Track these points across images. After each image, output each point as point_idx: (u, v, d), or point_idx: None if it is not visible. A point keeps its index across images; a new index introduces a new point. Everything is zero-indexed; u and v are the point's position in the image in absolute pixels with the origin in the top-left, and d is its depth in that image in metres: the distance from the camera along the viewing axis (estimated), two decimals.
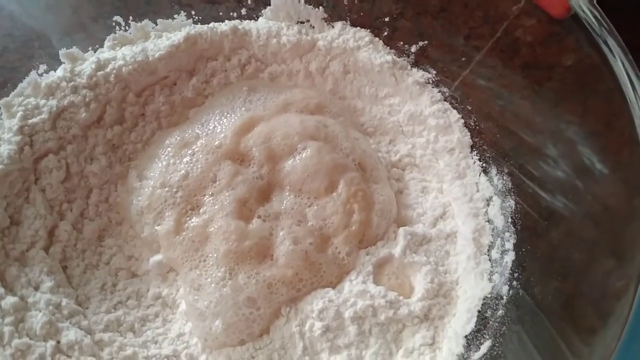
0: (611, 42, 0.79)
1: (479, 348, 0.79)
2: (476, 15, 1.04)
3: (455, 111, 1.01)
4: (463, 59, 1.03)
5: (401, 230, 0.92)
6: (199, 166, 0.95)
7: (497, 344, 0.78)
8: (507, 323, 0.79)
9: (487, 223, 0.92)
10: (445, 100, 1.02)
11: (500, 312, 0.81)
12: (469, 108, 1.00)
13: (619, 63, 0.76)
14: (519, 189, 0.90)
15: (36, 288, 0.85)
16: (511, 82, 0.99)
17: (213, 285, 0.87)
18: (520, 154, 0.92)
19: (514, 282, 0.82)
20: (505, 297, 0.82)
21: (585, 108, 0.90)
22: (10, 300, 0.81)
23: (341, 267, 0.90)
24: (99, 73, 0.99)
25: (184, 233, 0.91)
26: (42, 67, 1.00)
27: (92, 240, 0.95)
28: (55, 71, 1.00)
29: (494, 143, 0.96)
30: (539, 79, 0.96)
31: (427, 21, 1.07)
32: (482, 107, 1.00)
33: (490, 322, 0.81)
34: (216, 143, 0.97)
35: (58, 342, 0.81)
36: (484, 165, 0.96)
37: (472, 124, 0.99)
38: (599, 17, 0.80)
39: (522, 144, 0.93)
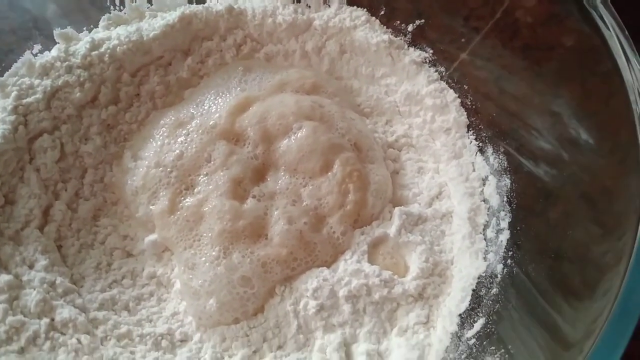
0: (609, 21, 0.77)
1: (472, 326, 0.79)
2: None
3: (451, 91, 1.00)
4: (462, 39, 1.02)
5: (396, 210, 0.92)
6: (194, 146, 0.95)
7: (490, 322, 0.77)
8: (501, 301, 0.79)
9: (483, 202, 0.91)
10: (442, 80, 1.01)
11: (494, 290, 0.81)
12: (466, 87, 0.99)
13: (616, 43, 0.75)
14: (515, 168, 0.89)
15: (31, 266, 0.86)
16: (511, 63, 0.98)
17: (207, 264, 0.87)
18: (517, 134, 0.91)
19: (509, 261, 0.82)
20: (499, 276, 0.82)
21: (584, 89, 0.89)
22: (4, 278, 0.81)
23: (336, 247, 0.90)
24: (93, 53, 0.98)
25: (178, 213, 0.91)
26: (37, 47, 1.00)
27: (87, 219, 0.95)
28: (49, 51, 0.99)
29: (490, 122, 0.95)
30: (539, 59, 0.95)
31: (426, 1, 1.06)
32: (480, 88, 0.99)
33: (485, 301, 0.81)
34: (211, 123, 0.96)
35: (52, 319, 0.81)
36: (480, 144, 0.95)
37: (469, 103, 0.98)
38: None
39: (519, 124, 0.92)
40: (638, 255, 0.62)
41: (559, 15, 0.92)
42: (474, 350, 0.75)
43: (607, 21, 0.80)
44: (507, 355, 0.69)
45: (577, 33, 0.87)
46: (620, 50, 0.76)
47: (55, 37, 0.99)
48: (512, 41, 0.98)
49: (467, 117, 0.98)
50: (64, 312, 0.82)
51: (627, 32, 0.77)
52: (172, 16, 1.04)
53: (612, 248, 0.69)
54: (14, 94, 0.93)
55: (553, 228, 0.80)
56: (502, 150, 0.92)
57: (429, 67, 1.03)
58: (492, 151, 0.93)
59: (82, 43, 0.99)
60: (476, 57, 1.00)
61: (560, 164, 0.85)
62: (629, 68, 0.76)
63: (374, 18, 1.07)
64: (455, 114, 0.98)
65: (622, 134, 0.76)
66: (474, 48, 1.01)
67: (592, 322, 0.62)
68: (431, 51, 1.03)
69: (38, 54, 0.99)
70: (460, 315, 0.82)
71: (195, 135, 0.96)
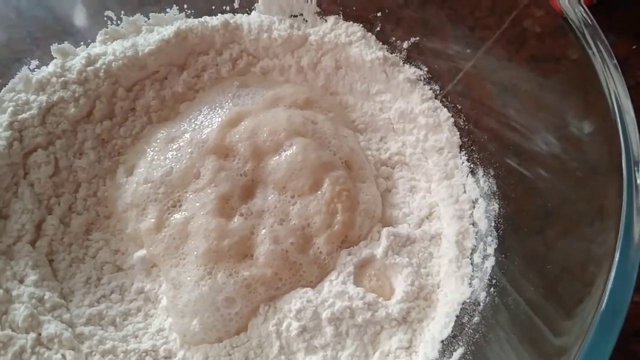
0: (599, 44, 0.75)
1: (452, 355, 0.78)
2: (483, 5, 1.00)
3: (445, 110, 0.98)
4: (467, 50, 0.99)
5: (384, 230, 0.91)
6: (183, 161, 0.95)
7: (468, 352, 0.76)
8: (480, 331, 0.77)
9: (472, 226, 0.90)
10: (436, 99, 1.00)
11: (476, 319, 0.80)
12: (459, 107, 0.97)
13: (603, 68, 0.73)
14: (504, 192, 0.87)
15: (21, 281, 0.88)
16: (516, 74, 0.96)
17: (192, 283, 0.87)
18: (512, 151, 0.88)
19: (491, 289, 0.80)
20: (482, 304, 0.81)
21: (587, 103, 0.87)
22: None
23: (322, 267, 0.89)
24: (88, 68, 1.00)
25: (165, 230, 0.92)
26: (34, 63, 1.01)
27: (79, 234, 0.96)
28: (47, 66, 1.01)
29: (484, 140, 0.93)
30: (545, 72, 0.92)
31: (432, 10, 1.04)
32: (483, 100, 0.97)
33: (466, 329, 0.80)
34: (202, 137, 0.97)
35: (39, 334, 0.83)
36: (471, 166, 0.94)
37: (462, 123, 0.96)
38: (585, 16, 0.76)
39: (516, 140, 0.89)
40: (621, 260, 0.61)
41: (566, 27, 0.90)
42: None
43: (596, 42, 0.78)
44: None
45: (582, 46, 0.85)
46: (604, 74, 0.74)
47: (52, 52, 1.01)
48: (519, 52, 0.96)
49: (460, 138, 0.96)
50: (50, 328, 0.83)
51: (612, 53, 0.75)
52: (167, 31, 1.04)
53: (596, 253, 0.67)
54: (10, 109, 0.95)
55: (536, 256, 0.78)
56: (492, 173, 0.90)
57: (424, 84, 1.01)
58: (482, 174, 0.91)
59: (78, 58, 1.01)
60: (481, 67, 0.98)
61: (559, 184, 0.82)
62: (613, 93, 0.74)
63: (369, 34, 1.05)
64: (448, 134, 0.96)
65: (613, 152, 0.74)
66: (480, 58, 0.99)
67: (577, 330, 0.61)
68: (426, 69, 1.01)
69: (35, 69, 1.01)
70: (442, 341, 0.81)
71: (185, 150, 0.96)
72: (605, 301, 0.58)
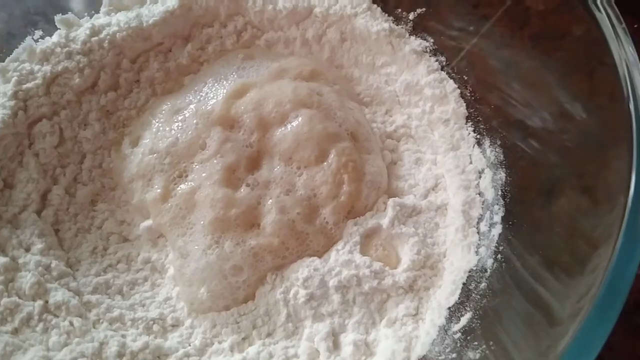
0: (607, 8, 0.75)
1: (459, 320, 0.78)
2: None
3: (451, 81, 0.98)
4: (471, 27, 0.99)
5: (390, 201, 0.91)
6: (189, 132, 0.95)
7: (476, 317, 0.77)
8: (488, 296, 0.78)
9: (478, 196, 0.90)
10: (442, 70, 1.00)
11: (483, 285, 0.80)
12: (466, 78, 0.97)
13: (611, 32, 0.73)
14: (511, 161, 0.87)
15: (27, 250, 0.88)
16: (519, 52, 0.96)
17: (200, 252, 0.87)
18: (522, 124, 0.89)
19: (499, 256, 0.81)
20: (489, 270, 0.81)
21: (591, 81, 0.87)
22: (1, 260, 0.83)
23: (328, 237, 0.89)
24: (93, 39, 0.99)
25: (171, 200, 0.92)
26: (38, 33, 1.01)
27: (84, 204, 0.96)
28: (51, 37, 1.00)
29: (492, 113, 0.93)
30: (548, 49, 0.93)
31: None
32: (486, 77, 0.97)
33: (473, 295, 0.80)
34: (207, 109, 0.97)
35: (46, 301, 0.83)
36: (478, 137, 0.94)
37: (468, 94, 0.97)
38: None
39: (524, 115, 0.90)
40: (627, 231, 0.61)
41: (570, 3, 0.90)
42: (458, 345, 0.75)
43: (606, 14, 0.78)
44: (487, 351, 0.69)
45: (586, 22, 0.85)
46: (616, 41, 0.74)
47: (56, 23, 1.00)
48: (522, 30, 0.96)
49: (466, 109, 0.96)
50: (57, 295, 0.83)
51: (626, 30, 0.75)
52: (172, 2, 1.04)
53: (602, 223, 0.67)
54: (14, 79, 0.94)
55: (542, 223, 0.79)
56: (498, 142, 0.90)
57: (430, 56, 1.01)
58: (489, 144, 0.92)
59: (82, 29, 1.00)
60: (484, 45, 0.98)
61: (560, 157, 0.83)
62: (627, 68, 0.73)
63: (375, 5, 1.05)
64: (454, 105, 0.96)
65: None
66: (483, 36, 0.99)
67: (580, 299, 0.61)
68: (432, 40, 1.01)
69: (39, 40, 1.01)
70: (449, 308, 0.81)
71: (191, 122, 0.96)
72: (611, 270, 0.58)
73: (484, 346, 0.70)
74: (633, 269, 0.60)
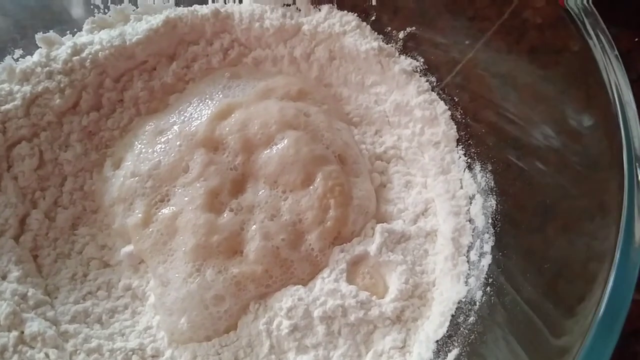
0: (599, 34, 0.73)
1: (447, 355, 0.76)
2: None
3: (442, 102, 0.95)
4: (467, 42, 0.97)
5: (378, 227, 0.89)
6: (172, 155, 0.93)
7: (463, 353, 0.74)
8: (477, 331, 0.75)
9: (468, 222, 0.87)
10: (432, 91, 0.97)
11: (472, 319, 0.77)
12: (456, 99, 0.94)
13: (604, 59, 0.70)
14: (502, 188, 0.85)
15: (3, 277, 0.85)
16: (515, 66, 0.93)
17: (180, 280, 0.85)
18: (511, 145, 0.86)
19: (488, 288, 0.78)
20: (478, 304, 0.78)
21: (588, 95, 0.84)
22: None
23: (314, 265, 0.87)
24: (74, 58, 0.97)
25: (152, 225, 0.89)
26: (18, 52, 0.98)
27: (65, 229, 0.94)
28: (31, 56, 0.98)
29: (482, 134, 0.90)
30: (545, 63, 0.90)
31: (431, 0, 1.01)
32: (481, 93, 0.94)
33: (461, 329, 0.78)
34: (191, 130, 0.94)
35: (22, 332, 0.81)
36: (468, 160, 0.91)
37: (459, 116, 0.94)
38: (586, 5, 0.74)
39: (514, 134, 0.87)
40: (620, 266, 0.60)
41: (567, 18, 0.87)
42: None
43: (597, 34, 0.75)
44: None
45: (583, 37, 0.82)
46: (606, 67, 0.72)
47: (37, 42, 0.98)
48: (519, 44, 0.94)
49: (457, 131, 0.93)
50: (33, 326, 0.81)
51: (613, 46, 0.73)
52: (156, 20, 1.02)
53: (595, 248, 0.66)
54: None
55: (534, 254, 0.76)
56: (490, 168, 0.87)
57: (420, 76, 0.98)
58: (479, 168, 0.89)
59: (64, 48, 0.98)
60: (480, 59, 0.96)
61: (560, 172, 0.80)
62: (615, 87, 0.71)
63: (364, 24, 1.02)
64: (444, 127, 0.93)
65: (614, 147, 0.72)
66: (479, 50, 0.96)
67: (576, 330, 0.60)
68: (422, 60, 0.99)
69: (19, 59, 0.98)
70: (437, 341, 0.79)
71: (174, 143, 0.93)
72: (606, 300, 0.57)
73: None
74: (629, 296, 0.59)
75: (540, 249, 0.76)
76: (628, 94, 0.71)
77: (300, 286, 0.85)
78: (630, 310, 1.01)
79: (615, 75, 0.70)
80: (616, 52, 0.71)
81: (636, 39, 1.16)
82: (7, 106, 0.92)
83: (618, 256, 0.60)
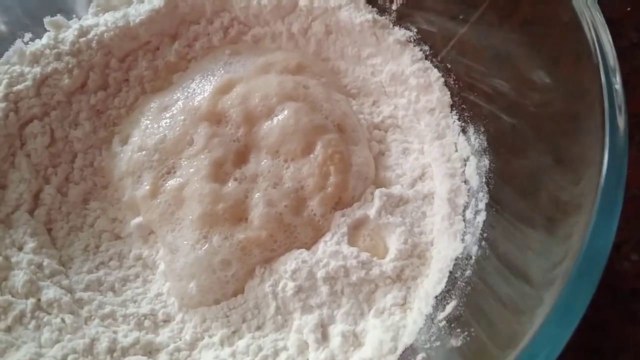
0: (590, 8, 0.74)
1: (445, 308, 0.79)
2: None
3: (435, 70, 0.98)
4: (460, 16, 0.99)
5: (377, 191, 0.92)
6: (177, 129, 0.96)
7: (460, 304, 0.77)
8: (472, 283, 0.78)
9: (463, 183, 0.90)
10: (426, 59, 0.99)
11: (468, 272, 0.80)
12: (449, 66, 0.97)
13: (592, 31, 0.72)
14: (494, 147, 0.87)
15: (20, 249, 0.89)
16: (508, 39, 0.95)
17: (188, 247, 0.89)
18: (500, 110, 0.88)
19: (483, 242, 0.81)
20: (473, 257, 0.81)
21: (578, 67, 0.86)
22: None
23: (316, 229, 0.90)
24: (81, 40, 1.01)
25: (160, 196, 0.93)
26: (28, 36, 1.02)
27: (76, 203, 0.98)
28: (40, 39, 1.02)
29: (474, 101, 0.93)
30: (538, 35, 0.92)
31: None
32: (475, 65, 0.96)
33: (459, 283, 0.80)
34: (194, 105, 0.97)
35: (38, 299, 0.85)
36: (462, 124, 0.94)
37: (452, 82, 0.96)
38: None
39: (505, 104, 0.89)
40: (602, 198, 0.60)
41: None
42: (442, 333, 0.75)
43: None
44: (468, 338, 0.69)
45: (572, 9, 0.84)
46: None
47: (45, 25, 1.02)
48: (512, 17, 0.96)
49: (451, 97, 0.96)
50: (49, 293, 0.85)
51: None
52: (158, 1, 1.05)
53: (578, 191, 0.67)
54: (5, 81, 0.96)
55: (534, 202, 0.78)
56: (482, 130, 0.90)
57: (414, 46, 1.01)
58: (473, 131, 0.91)
59: (71, 30, 1.02)
60: (473, 33, 0.98)
61: (553, 133, 0.82)
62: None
63: None
64: (438, 94, 0.96)
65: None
66: (472, 24, 0.98)
67: (558, 264, 0.61)
68: (415, 30, 1.01)
69: (29, 42, 1.02)
70: (436, 297, 0.81)
71: (178, 118, 0.97)
72: (588, 237, 0.57)
73: (466, 333, 0.70)
74: (611, 235, 0.59)
75: (531, 201, 0.78)
76: (613, 61, 0.72)
77: (303, 250, 0.88)
78: (630, 269, 1.03)
79: (601, 44, 0.71)
80: (603, 21, 0.72)
81: (629, 9, 1.17)
82: (19, 87, 0.96)
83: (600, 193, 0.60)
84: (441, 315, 0.78)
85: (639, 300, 0.96)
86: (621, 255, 0.99)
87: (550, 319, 0.56)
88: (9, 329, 0.82)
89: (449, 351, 0.71)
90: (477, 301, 0.76)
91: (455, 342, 0.71)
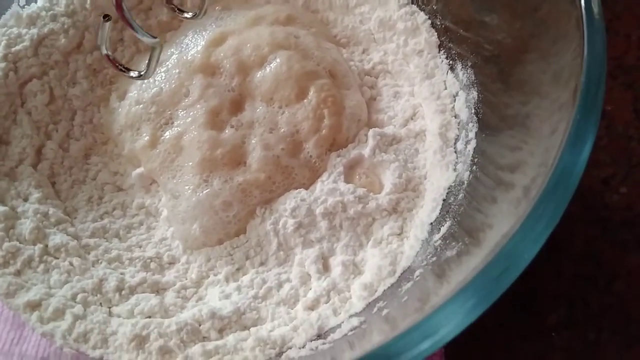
0: None
1: (439, 230, 0.81)
2: None
3: (422, 13, 1.01)
4: None
5: (371, 131, 0.94)
6: (172, 81, 0.98)
7: (454, 224, 0.80)
8: (465, 204, 0.81)
9: (454, 118, 0.93)
10: (412, 3, 1.02)
11: (461, 195, 0.83)
12: (435, 8, 0.99)
13: None
14: (481, 80, 0.90)
15: (25, 199, 0.92)
16: None
17: (190, 191, 0.91)
18: (485, 44, 0.90)
19: (474, 167, 0.84)
20: (465, 182, 0.84)
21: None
22: (0, 209, 0.88)
23: (313, 170, 0.93)
24: (75, 1, 1.03)
25: (159, 146, 0.96)
26: (22, 0, 1.05)
27: (78, 158, 1.00)
28: (35, 2, 1.05)
29: (459, 39, 0.95)
30: None
31: None
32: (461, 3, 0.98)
33: (452, 207, 0.83)
34: (188, 58, 1.00)
35: (46, 245, 0.87)
36: (450, 62, 0.97)
37: (439, 23, 0.99)
38: None
39: (487, 36, 0.91)
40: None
41: None
42: (438, 250, 0.78)
43: None
44: (463, 247, 0.72)
45: None
46: None
47: None
48: None
49: (438, 37, 0.99)
50: (56, 239, 0.87)
51: None
52: None
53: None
54: (3, 43, 0.98)
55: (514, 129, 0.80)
56: (469, 64, 0.92)
57: None
58: (461, 67, 0.94)
59: None
60: None
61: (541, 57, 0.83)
62: None
63: None
64: (426, 35, 0.99)
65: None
66: None
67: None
68: None
69: (25, 6, 1.05)
70: (431, 224, 0.84)
71: (173, 71, 0.99)
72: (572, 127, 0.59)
73: (460, 243, 0.73)
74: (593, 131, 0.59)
75: (520, 119, 0.80)
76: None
77: (302, 189, 0.91)
78: (620, 200, 1.06)
79: None
80: None
81: None
82: (17, 47, 0.99)
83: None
84: (437, 236, 0.81)
85: (629, 231, 0.99)
86: (610, 188, 1.02)
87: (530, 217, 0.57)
88: (18, 273, 0.84)
89: (444, 262, 0.74)
90: (469, 218, 0.78)
91: (450, 252, 0.74)
